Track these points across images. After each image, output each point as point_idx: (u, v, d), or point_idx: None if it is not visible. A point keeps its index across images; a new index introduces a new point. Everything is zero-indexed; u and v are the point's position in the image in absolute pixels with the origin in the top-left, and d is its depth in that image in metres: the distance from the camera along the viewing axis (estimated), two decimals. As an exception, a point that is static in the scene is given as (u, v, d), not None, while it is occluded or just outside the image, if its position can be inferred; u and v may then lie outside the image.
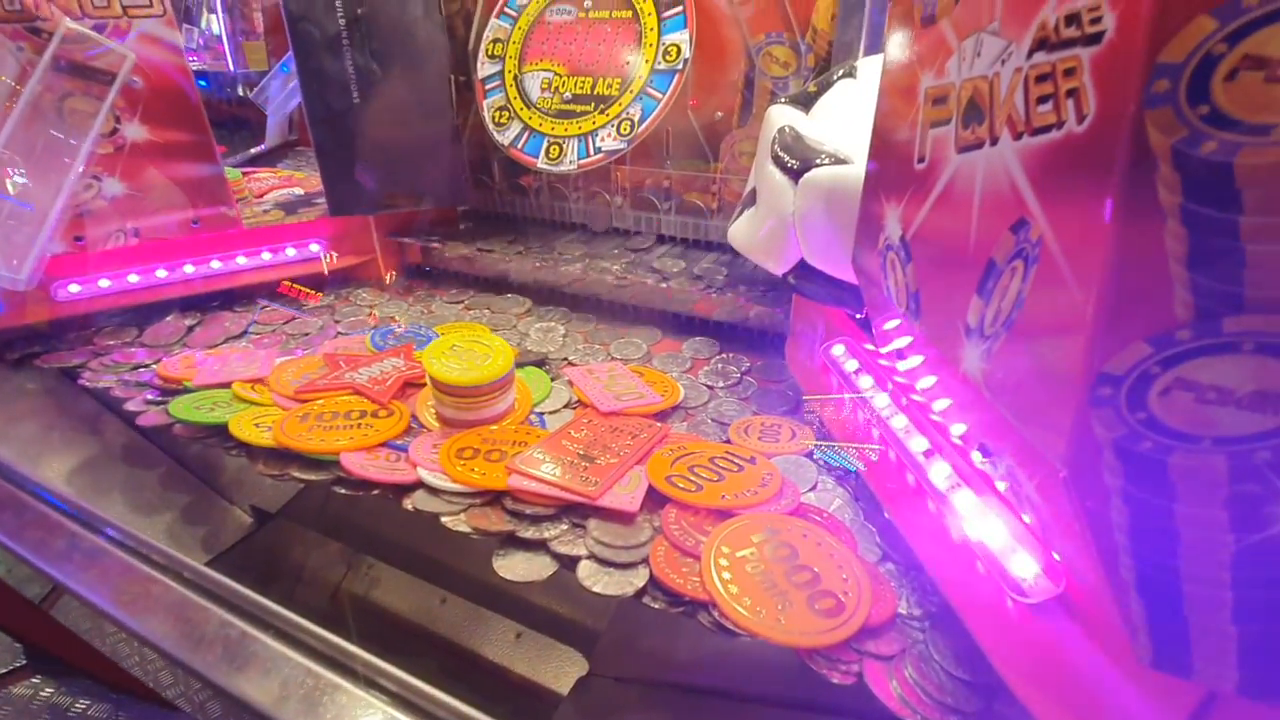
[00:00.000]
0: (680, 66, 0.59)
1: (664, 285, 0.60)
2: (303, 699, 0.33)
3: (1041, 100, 0.21)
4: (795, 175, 0.42)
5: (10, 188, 0.54)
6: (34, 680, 1.31)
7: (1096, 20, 0.19)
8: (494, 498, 0.38)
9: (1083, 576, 0.25)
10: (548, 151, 0.63)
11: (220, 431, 0.44)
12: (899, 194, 0.32)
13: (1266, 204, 0.17)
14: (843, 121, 0.45)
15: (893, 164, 0.32)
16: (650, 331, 0.61)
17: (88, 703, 1.27)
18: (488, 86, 0.68)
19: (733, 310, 0.58)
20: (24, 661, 1.31)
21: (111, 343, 0.59)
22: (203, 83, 1.40)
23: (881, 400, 0.41)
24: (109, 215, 0.61)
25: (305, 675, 0.34)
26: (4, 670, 1.30)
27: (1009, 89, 0.23)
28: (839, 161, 0.40)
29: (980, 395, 0.26)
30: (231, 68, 1.46)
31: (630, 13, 0.62)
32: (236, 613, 0.37)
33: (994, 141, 0.24)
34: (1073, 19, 0.20)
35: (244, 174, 0.96)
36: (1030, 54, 0.22)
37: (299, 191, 0.89)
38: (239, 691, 0.33)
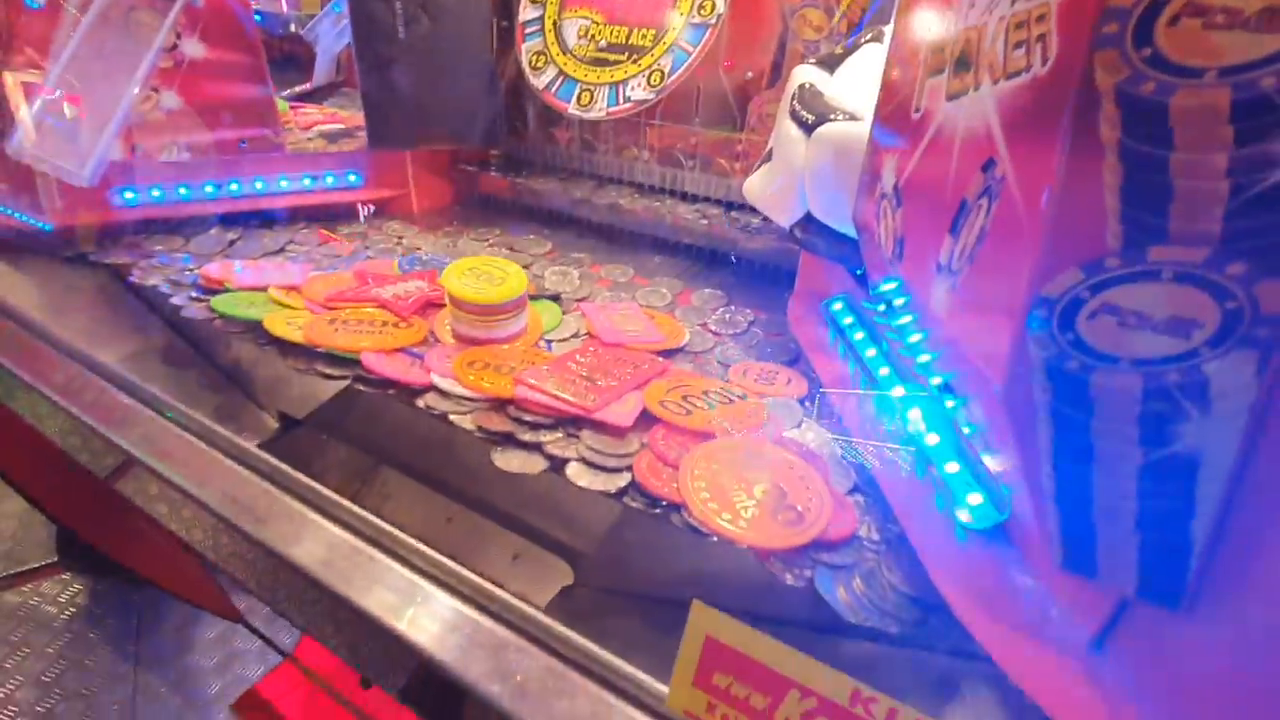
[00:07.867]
0: (713, 21, 0.61)
1: (703, 222, 0.65)
2: (345, 560, 0.37)
3: (1017, 46, 0.23)
4: (809, 129, 0.43)
5: (80, 89, 0.58)
6: (63, 576, 1.42)
7: (1065, -31, 0.21)
8: (499, 404, 0.41)
9: (1013, 490, 0.27)
10: (579, 98, 0.65)
11: (256, 327, 0.47)
12: (896, 143, 0.34)
13: (1195, 142, 0.19)
14: (863, 83, 0.47)
15: (894, 115, 0.34)
16: (672, 282, 0.63)
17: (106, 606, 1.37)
18: (527, 30, 0.70)
19: (765, 245, 0.63)
20: (55, 558, 1.42)
21: (159, 248, 0.63)
22: (258, 16, 1.43)
23: (872, 351, 0.43)
24: (164, 127, 0.64)
25: (344, 544, 0.38)
26: (36, 565, 1.41)
27: (993, 36, 0.25)
28: (852, 118, 0.42)
29: (944, 329, 0.28)
30: (285, 8, 1.49)
31: (670, -35, 0.64)
32: (283, 489, 0.42)
33: (977, 87, 0.26)
34: (1047, -32, 0.22)
35: (291, 108, 1.00)
36: (1013, 1, 0.24)
37: (342, 127, 0.92)
38: (288, 553, 0.38)
